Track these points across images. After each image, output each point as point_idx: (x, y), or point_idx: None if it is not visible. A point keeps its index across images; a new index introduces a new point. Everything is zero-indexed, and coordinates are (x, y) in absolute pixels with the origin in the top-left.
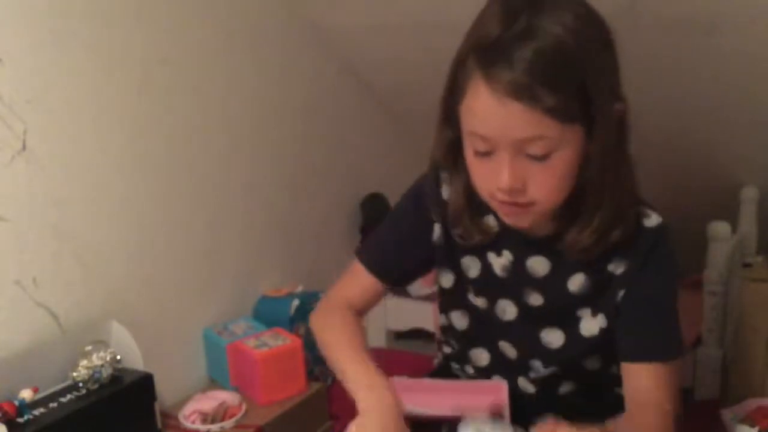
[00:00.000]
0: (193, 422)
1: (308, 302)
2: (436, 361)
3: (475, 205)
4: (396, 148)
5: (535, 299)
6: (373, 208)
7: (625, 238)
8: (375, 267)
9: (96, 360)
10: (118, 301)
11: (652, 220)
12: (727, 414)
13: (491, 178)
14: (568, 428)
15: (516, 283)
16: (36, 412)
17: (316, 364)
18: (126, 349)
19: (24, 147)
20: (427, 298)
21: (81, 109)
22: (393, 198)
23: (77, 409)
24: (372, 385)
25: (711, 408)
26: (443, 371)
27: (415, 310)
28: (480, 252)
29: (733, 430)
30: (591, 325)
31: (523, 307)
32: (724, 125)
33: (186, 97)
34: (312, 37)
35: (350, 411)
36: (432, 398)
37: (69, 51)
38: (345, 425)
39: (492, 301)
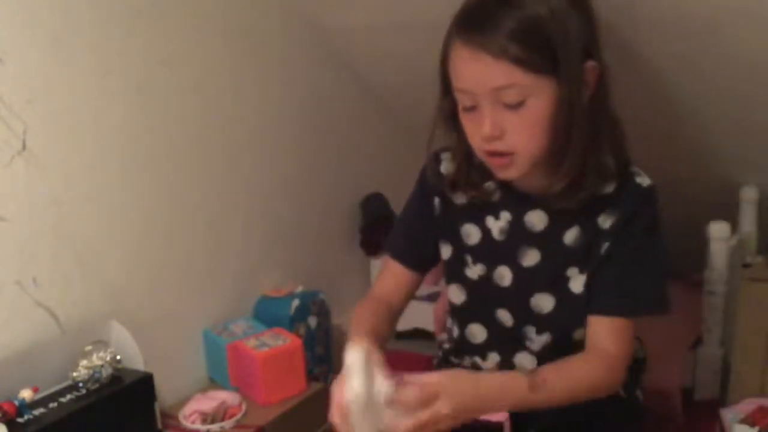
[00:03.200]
0: (193, 422)
1: (308, 302)
2: (435, 361)
3: (473, 169)
4: (396, 148)
5: (531, 258)
6: (373, 208)
7: (616, 193)
8: (398, 254)
9: (96, 360)
10: (118, 301)
11: (645, 180)
12: (727, 414)
13: (477, 129)
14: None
15: (513, 244)
16: (36, 412)
17: (316, 364)
18: (126, 349)
19: (24, 147)
20: (427, 298)
21: (81, 109)
22: (393, 198)
23: (77, 409)
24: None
25: (711, 408)
26: (442, 369)
27: (415, 310)
28: (479, 218)
29: (733, 430)
30: (578, 282)
31: (518, 271)
32: (724, 125)
33: (186, 97)
34: (312, 37)
35: None
36: None
37: (69, 51)
38: None
39: (490, 268)
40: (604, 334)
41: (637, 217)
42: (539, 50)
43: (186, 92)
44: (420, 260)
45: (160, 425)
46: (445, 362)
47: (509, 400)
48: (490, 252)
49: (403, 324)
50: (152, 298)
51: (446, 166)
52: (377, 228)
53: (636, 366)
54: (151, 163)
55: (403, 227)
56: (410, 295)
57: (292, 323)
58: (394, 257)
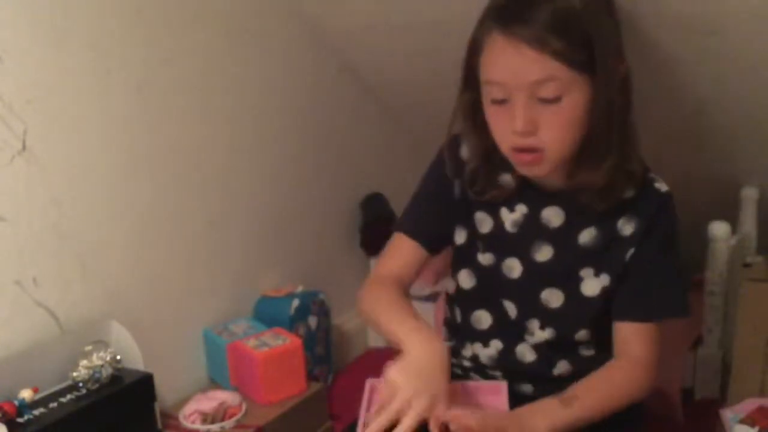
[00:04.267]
0: (193, 422)
1: (308, 302)
2: None
3: (492, 163)
4: (396, 148)
5: (544, 254)
6: (373, 208)
7: (635, 198)
8: (412, 231)
9: (96, 360)
10: (118, 301)
11: (663, 186)
12: (727, 414)
13: (507, 123)
14: (476, 417)
15: (526, 238)
16: (36, 412)
17: (316, 364)
18: (126, 349)
19: (24, 147)
20: (427, 298)
21: (81, 109)
22: (393, 198)
23: (77, 409)
24: (419, 328)
25: (711, 408)
26: None
27: (415, 310)
28: (493, 208)
29: (733, 430)
30: (593, 284)
31: (529, 265)
32: (724, 125)
33: (186, 97)
34: (312, 37)
35: (350, 411)
36: None
37: (69, 51)
38: (345, 425)
39: (499, 259)
40: (633, 340)
41: (659, 224)
42: (579, 45)
43: (186, 92)
44: (435, 239)
45: (160, 425)
46: None
47: (542, 416)
48: (501, 243)
49: None
50: (152, 298)
51: (465, 151)
52: (377, 228)
53: None
54: (152, 162)
55: (419, 207)
56: (417, 276)
57: (292, 323)
58: (409, 234)
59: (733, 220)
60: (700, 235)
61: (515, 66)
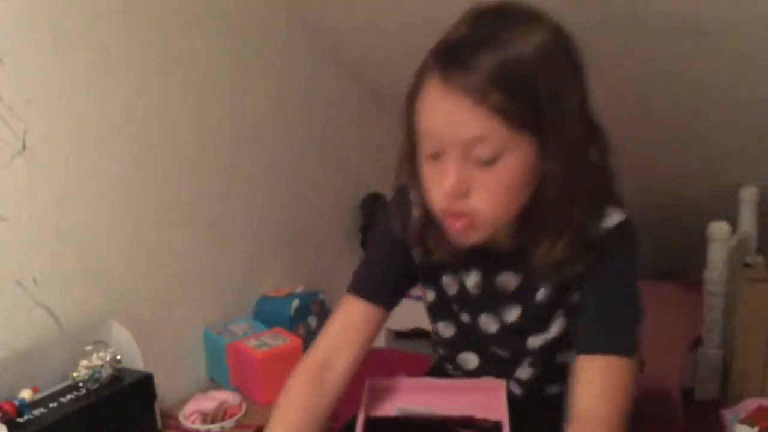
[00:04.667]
0: (193, 422)
1: (308, 302)
2: (432, 361)
3: (439, 223)
4: (396, 148)
5: (512, 313)
6: (373, 208)
7: (582, 245)
8: (365, 292)
9: (96, 360)
10: (118, 301)
11: (613, 219)
12: (727, 414)
13: (438, 182)
14: None
15: (490, 299)
16: (36, 412)
17: None
18: (126, 349)
19: (24, 147)
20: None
21: (81, 109)
22: None
23: (77, 409)
24: None
25: (711, 408)
26: (438, 370)
27: (415, 310)
28: (455, 270)
29: (733, 430)
30: (558, 326)
31: (503, 322)
32: (724, 126)
33: (186, 96)
34: (312, 37)
35: (349, 411)
36: (431, 397)
37: (69, 51)
38: (344, 423)
39: (474, 316)
40: (593, 391)
41: (606, 259)
42: (524, 101)
43: (186, 92)
44: (389, 298)
45: (160, 425)
46: (441, 366)
47: None
48: (470, 303)
49: (403, 324)
50: (152, 298)
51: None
52: None
53: None
54: (152, 162)
55: (375, 266)
56: (368, 343)
57: (292, 323)
58: (361, 296)
59: (733, 220)
60: (700, 235)
61: (450, 118)
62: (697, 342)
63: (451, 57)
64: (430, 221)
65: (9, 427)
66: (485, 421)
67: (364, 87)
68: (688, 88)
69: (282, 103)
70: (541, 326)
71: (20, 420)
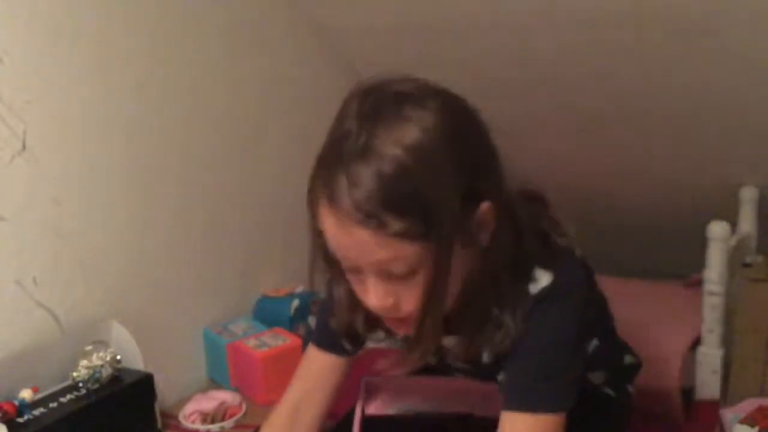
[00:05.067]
0: (193, 422)
1: (308, 302)
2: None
3: (363, 307)
4: None
5: (464, 368)
6: None
7: (504, 320)
8: (325, 344)
9: (96, 360)
10: (118, 301)
11: (540, 282)
12: (727, 414)
13: (364, 295)
14: None
15: (444, 360)
16: (36, 412)
17: None
18: (126, 349)
19: (24, 147)
20: None
21: (81, 109)
22: None
23: (77, 409)
24: None
25: (711, 408)
26: (432, 369)
27: None
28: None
29: (733, 430)
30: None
31: (465, 371)
32: (725, 126)
33: (186, 96)
34: (312, 37)
35: (345, 406)
36: (429, 395)
37: (69, 51)
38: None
39: (441, 360)
40: None
41: (531, 321)
42: (417, 217)
43: (186, 92)
44: (351, 345)
45: (160, 425)
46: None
47: None
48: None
49: None
50: (152, 298)
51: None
52: None
53: (624, 369)
54: (151, 162)
55: (326, 315)
56: (337, 389)
57: (292, 323)
58: (319, 346)
59: (733, 220)
60: (700, 235)
61: (352, 247)
62: (697, 342)
63: (334, 179)
64: (356, 312)
65: (9, 427)
66: (484, 419)
67: None
68: (689, 88)
69: (282, 103)
70: (497, 371)
71: (20, 420)
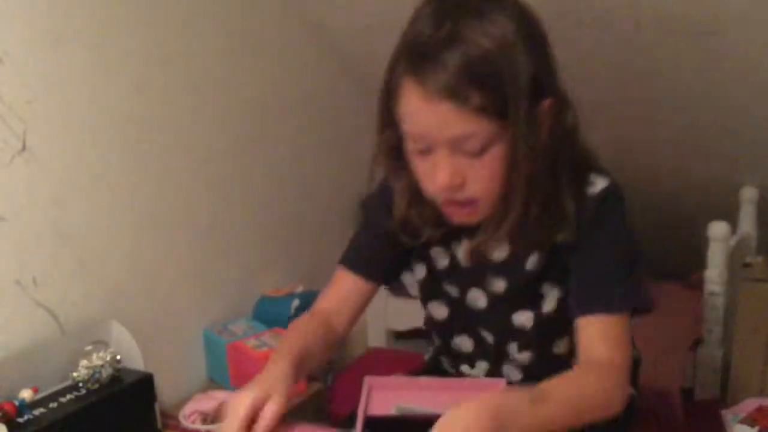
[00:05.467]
0: (193, 422)
1: (308, 302)
2: (427, 356)
3: (425, 209)
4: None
5: (499, 286)
6: None
7: (566, 213)
8: (356, 266)
9: (96, 360)
10: (118, 301)
11: (597, 185)
12: (727, 414)
13: (431, 175)
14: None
15: (480, 270)
16: (36, 412)
17: None
18: (126, 349)
19: (24, 147)
20: None
21: (81, 109)
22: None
23: (77, 409)
24: (270, 377)
25: (711, 408)
26: (433, 365)
27: (415, 310)
28: (446, 242)
29: (733, 430)
30: (551, 298)
31: (491, 295)
32: (724, 125)
33: (186, 96)
34: (312, 36)
35: (348, 407)
36: (430, 396)
37: (69, 51)
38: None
39: (463, 291)
40: (596, 340)
41: (596, 224)
42: (496, 95)
43: (186, 92)
44: (382, 273)
45: (160, 425)
46: (436, 361)
47: (513, 414)
48: (460, 276)
49: (403, 324)
50: (152, 298)
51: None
52: None
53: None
54: (151, 162)
55: (366, 241)
56: (360, 310)
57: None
58: (353, 270)
59: (733, 220)
60: (700, 235)
61: (434, 122)
62: (697, 342)
63: (422, 61)
64: (416, 206)
65: (9, 427)
66: None
67: (363, 87)
68: (688, 88)
69: (282, 103)
70: (530, 300)
71: (20, 420)
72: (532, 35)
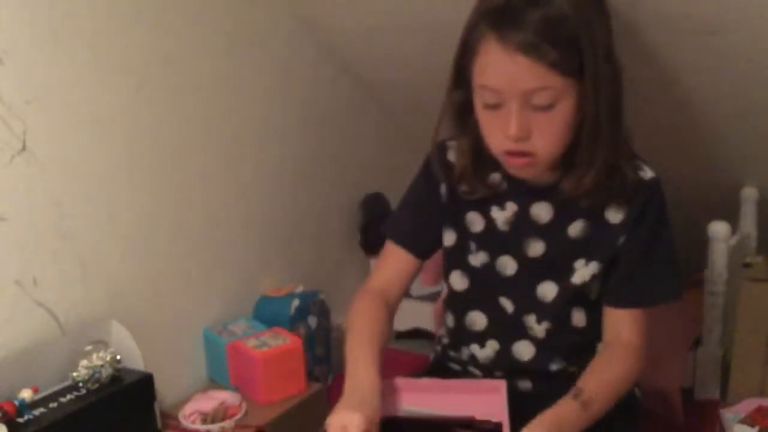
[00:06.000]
0: (193, 422)
1: (308, 302)
2: (432, 356)
3: (481, 163)
4: (396, 148)
5: (536, 249)
6: (373, 208)
7: (622, 187)
8: (402, 240)
9: (96, 360)
10: (118, 301)
11: (648, 173)
12: (727, 414)
13: (500, 128)
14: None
15: (518, 234)
16: (36, 412)
17: (316, 364)
18: (126, 349)
19: (24, 147)
20: (427, 298)
21: (81, 109)
22: (393, 198)
23: (77, 409)
24: (354, 375)
25: (711, 408)
26: (438, 365)
27: (415, 310)
28: (484, 208)
29: (733, 430)
30: (583, 272)
31: (523, 261)
32: (724, 125)
33: (186, 96)
34: (312, 37)
35: None
36: (431, 398)
37: (69, 51)
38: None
39: (493, 257)
40: (626, 326)
41: (648, 211)
42: (571, 53)
43: (186, 92)
44: (424, 246)
45: (160, 425)
46: (443, 358)
47: (569, 425)
48: (494, 241)
49: (403, 324)
50: (152, 298)
51: (453, 154)
52: (377, 228)
53: None
54: (151, 162)
55: (408, 213)
56: (409, 284)
57: (292, 323)
58: (399, 243)
59: (733, 220)
60: (700, 235)
61: (510, 74)
62: (697, 342)
63: (504, 19)
64: (475, 160)
65: (9, 427)
66: (486, 422)
67: (364, 87)
68: (689, 88)
69: (282, 103)
70: (558, 270)
71: (20, 420)
72: (602, 2)
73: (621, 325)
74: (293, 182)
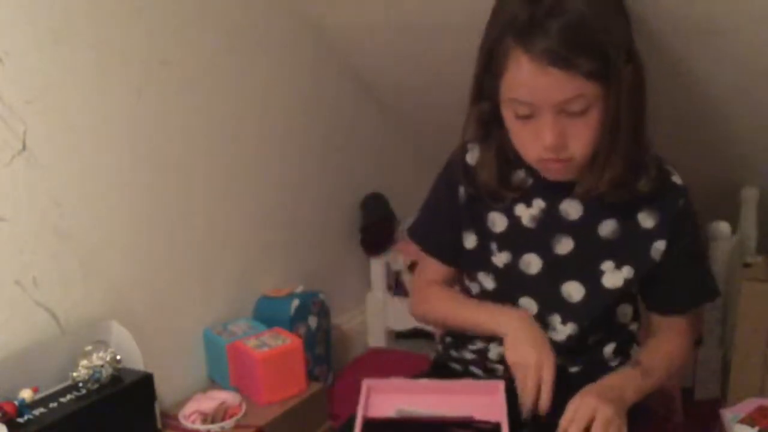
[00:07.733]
0: (193, 422)
1: (308, 302)
2: (433, 355)
3: (505, 167)
4: (396, 148)
5: (564, 246)
6: (373, 208)
7: (653, 191)
8: (432, 249)
9: (96, 360)
10: (118, 301)
11: (678, 178)
12: (727, 414)
13: (533, 137)
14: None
15: (545, 231)
16: (36, 412)
17: (316, 364)
18: (126, 349)
19: (24, 147)
20: None
21: (81, 109)
22: (393, 198)
23: (77, 409)
24: (505, 311)
25: (711, 408)
26: (439, 365)
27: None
28: (507, 207)
29: (733, 430)
30: (615, 277)
31: (549, 259)
32: (724, 125)
33: (186, 97)
34: (312, 37)
35: (350, 411)
36: (430, 398)
37: (69, 51)
38: (343, 422)
39: (517, 255)
40: (676, 324)
41: (683, 216)
42: (597, 58)
43: (186, 92)
44: (451, 251)
45: (160, 425)
46: (444, 358)
47: (632, 389)
48: (518, 240)
49: (403, 324)
50: (152, 298)
51: (471, 157)
52: (377, 228)
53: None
54: (152, 162)
55: (431, 217)
56: (454, 280)
57: (292, 323)
58: (430, 253)
59: (733, 220)
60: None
61: (544, 87)
62: (697, 342)
63: (531, 32)
64: (500, 167)
65: (9, 427)
66: (484, 422)
67: (364, 87)
68: (689, 88)
69: (282, 103)
70: (586, 271)
71: (20, 420)
72: (623, 8)
73: (673, 325)
74: (293, 182)
